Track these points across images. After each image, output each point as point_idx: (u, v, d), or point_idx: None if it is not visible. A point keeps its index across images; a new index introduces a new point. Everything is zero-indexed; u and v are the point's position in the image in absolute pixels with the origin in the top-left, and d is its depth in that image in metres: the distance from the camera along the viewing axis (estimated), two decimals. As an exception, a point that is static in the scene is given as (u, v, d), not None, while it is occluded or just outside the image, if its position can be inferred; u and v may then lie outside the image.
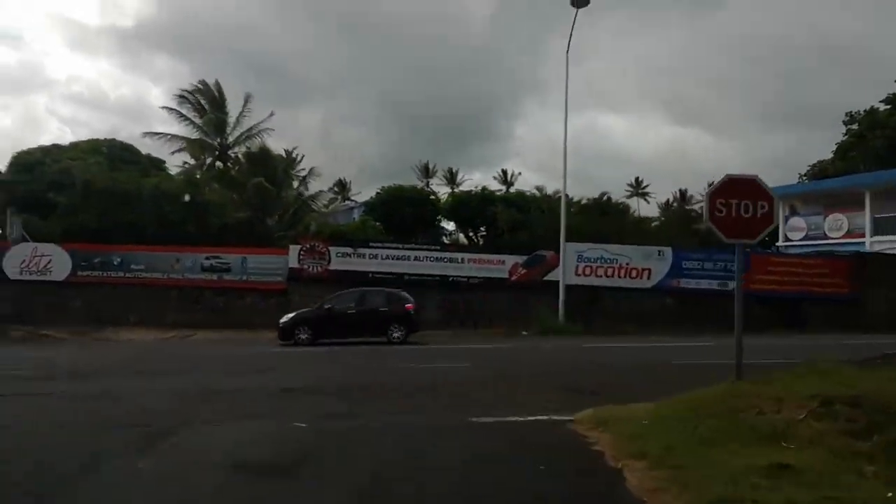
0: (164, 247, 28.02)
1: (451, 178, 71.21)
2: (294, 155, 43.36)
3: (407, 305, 21.91)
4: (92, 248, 28.08)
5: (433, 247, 28.97)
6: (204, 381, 12.57)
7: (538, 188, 45.65)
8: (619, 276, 27.66)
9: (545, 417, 8.66)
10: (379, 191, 38.85)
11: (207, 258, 27.98)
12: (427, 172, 71.79)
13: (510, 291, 27.55)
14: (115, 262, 27.79)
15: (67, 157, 35.48)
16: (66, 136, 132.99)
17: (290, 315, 22.30)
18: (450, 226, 40.73)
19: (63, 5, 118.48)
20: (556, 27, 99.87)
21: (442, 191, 55.99)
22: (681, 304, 27.46)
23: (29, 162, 35.06)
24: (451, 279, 27.76)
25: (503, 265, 27.94)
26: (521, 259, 27.94)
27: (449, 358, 16.52)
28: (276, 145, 40.18)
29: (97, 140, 38.66)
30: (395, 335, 21.32)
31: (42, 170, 34.33)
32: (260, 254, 28.34)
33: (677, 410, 8.04)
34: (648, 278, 27.70)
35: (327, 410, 9.41)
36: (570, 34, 26.75)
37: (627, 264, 27.66)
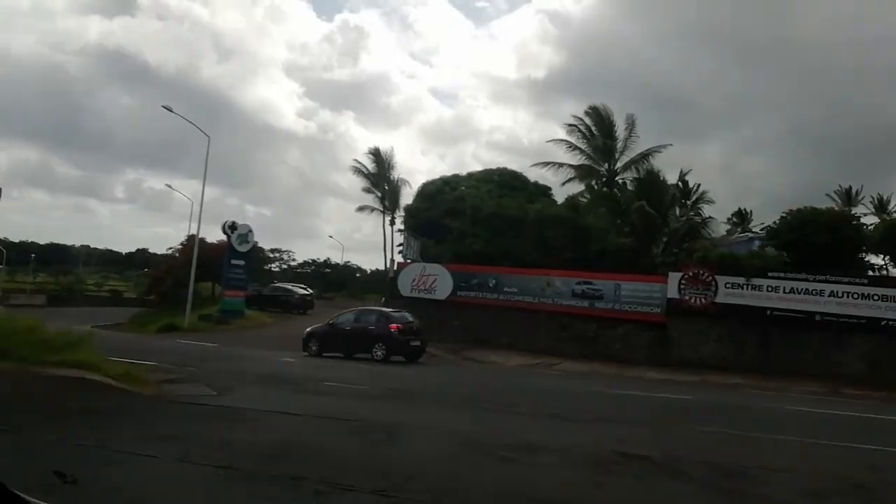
0: (535, 270, 26.49)
1: (881, 206, 57.92)
2: (687, 181, 38.91)
3: (391, 326, 20.97)
4: (471, 269, 27.98)
5: (859, 280, 21.97)
6: (526, 428, 9.66)
7: None
8: None
9: None
10: (784, 214, 32.04)
11: (579, 283, 25.55)
12: (849, 199, 59.53)
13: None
14: (490, 284, 27.16)
15: (463, 186, 36.88)
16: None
17: (308, 329, 23.02)
18: (878, 259, 31.72)
19: (489, 64, 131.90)
20: None
21: (869, 221, 45.11)
22: None
23: (431, 191, 37.35)
24: (884, 323, 20.58)
25: (971, 309, 19.74)
26: None
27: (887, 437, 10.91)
28: (670, 173, 36.33)
29: (490, 170, 39.75)
30: (378, 353, 20.55)
31: (441, 198, 36.16)
32: (635, 281, 24.85)
33: None
34: None
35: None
36: None
37: None
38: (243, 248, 34.04)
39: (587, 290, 25.27)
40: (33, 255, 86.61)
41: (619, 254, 31.82)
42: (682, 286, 23.28)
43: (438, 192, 36.84)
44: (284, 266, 61.67)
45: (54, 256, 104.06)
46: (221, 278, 33.62)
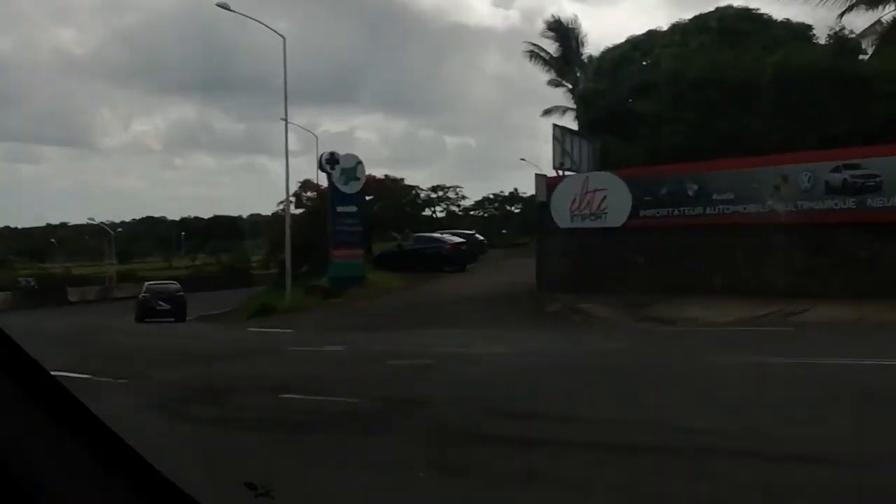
0: (759, 158, 21.13)
1: None
2: None
3: (143, 294, 35.65)
4: (656, 171, 23.35)
5: None
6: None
7: None
8: None
9: None
10: None
11: (835, 170, 19.70)
12: None
13: None
14: (690, 192, 22.19)
15: (661, 46, 31.30)
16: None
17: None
18: None
19: None
20: None
21: None
22: None
23: (611, 62, 32.31)
24: None
25: None
26: None
27: None
28: None
29: (702, 15, 33.19)
30: (140, 315, 33.68)
31: (626, 70, 31.03)
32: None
33: None
34: None
35: None
36: None
37: None
38: (351, 189, 31.93)
39: (852, 180, 19.44)
40: (183, 234, 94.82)
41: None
42: None
43: (623, 61, 31.59)
44: (454, 207, 59.29)
45: (220, 230, 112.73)
46: (326, 234, 31.81)
